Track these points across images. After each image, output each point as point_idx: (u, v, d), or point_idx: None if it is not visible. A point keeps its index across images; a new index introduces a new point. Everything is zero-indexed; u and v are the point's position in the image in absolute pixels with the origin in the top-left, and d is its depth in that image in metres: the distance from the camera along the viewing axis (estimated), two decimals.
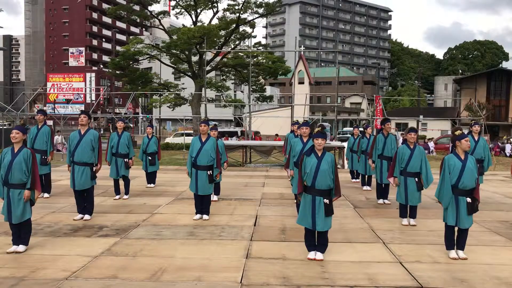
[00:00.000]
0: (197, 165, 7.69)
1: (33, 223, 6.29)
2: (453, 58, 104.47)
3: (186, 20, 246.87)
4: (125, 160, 9.70)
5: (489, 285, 4.92)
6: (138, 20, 36.32)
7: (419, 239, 6.76)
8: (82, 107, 57.23)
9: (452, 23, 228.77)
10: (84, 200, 7.78)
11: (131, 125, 44.31)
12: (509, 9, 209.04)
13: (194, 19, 33.92)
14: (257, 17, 33.91)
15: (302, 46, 53.51)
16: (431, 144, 27.54)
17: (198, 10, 33.69)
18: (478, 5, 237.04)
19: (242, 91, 45.10)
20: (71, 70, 76.03)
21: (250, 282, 4.91)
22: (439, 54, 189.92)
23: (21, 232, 5.91)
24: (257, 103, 36.37)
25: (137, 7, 35.82)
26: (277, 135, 28.22)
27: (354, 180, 12.99)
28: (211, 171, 7.71)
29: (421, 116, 37.03)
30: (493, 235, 7.05)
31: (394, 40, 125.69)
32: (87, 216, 7.74)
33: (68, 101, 64.49)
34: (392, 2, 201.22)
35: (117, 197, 9.77)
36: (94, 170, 7.75)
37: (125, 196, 9.81)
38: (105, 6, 72.46)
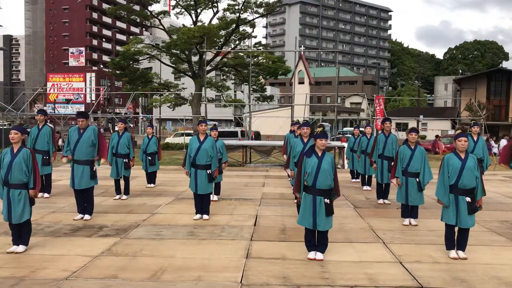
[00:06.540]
0: (196, 164, 7.70)
1: (33, 223, 6.29)
2: (453, 58, 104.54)
3: (186, 20, 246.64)
4: (125, 160, 9.72)
5: (489, 285, 4.92)
6: (138, 20, 36.34)
7: (419, 239, 6.76)
8: (82, 107, 57.24)
9: (444, 22, 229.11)
10: (84, 200, 7.78)
11: (131, 125, 44.28)
12: (497, 8, 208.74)
13: (194, 19, 33.96)
14: (257, 17, 33.97)
15: (302, 46, 53.47)
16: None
17: (198, 10, 33.74)
18: (467, 4, 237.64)
19: (242, 91, 45.10)
20: (71, 70, 75.99)
21: (250, 282, 4.91)
22: (439, 54, 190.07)
23: (21, 232, 5.92)
24: (257, 103, 36.39)
25: (137, 7, 35.86)
26: None
27: (354, 180, 12.98)
28: (210, 170, 7.72)
29: (421, 116, 37.04)
30: (493, 235, 7.04)
31: (394, 40, 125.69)
32: (87, 216, 7.74)
33: (68, 101, 64.48)
34: (392, 2, 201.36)
35: (117, 197, 9.78)
36: (93, 165, 7.72)
37: (124, 197, 9.81)
38: (105, 6, 72.44)
